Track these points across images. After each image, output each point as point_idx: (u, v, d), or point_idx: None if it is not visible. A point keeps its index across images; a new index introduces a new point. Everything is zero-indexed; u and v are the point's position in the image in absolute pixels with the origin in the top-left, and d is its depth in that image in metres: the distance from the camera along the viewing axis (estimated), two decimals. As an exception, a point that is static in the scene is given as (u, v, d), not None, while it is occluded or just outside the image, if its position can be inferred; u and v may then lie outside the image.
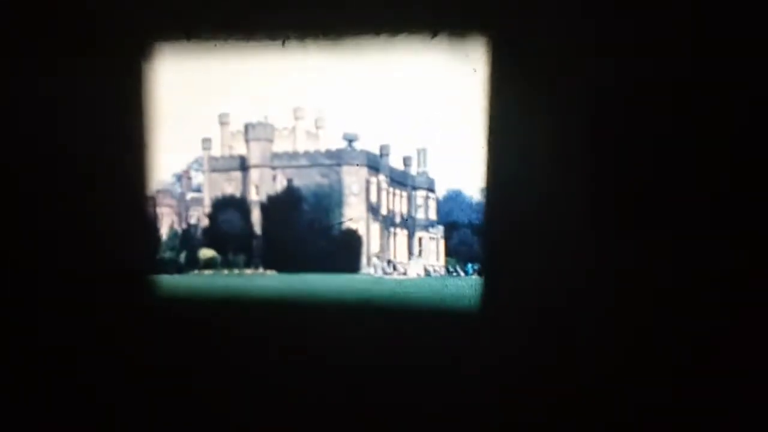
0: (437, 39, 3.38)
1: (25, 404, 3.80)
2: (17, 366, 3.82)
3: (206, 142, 69.97)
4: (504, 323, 3.36)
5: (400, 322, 3.72)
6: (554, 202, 3.23)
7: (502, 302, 3.39)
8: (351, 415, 3.55)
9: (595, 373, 3.22)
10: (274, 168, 65.90)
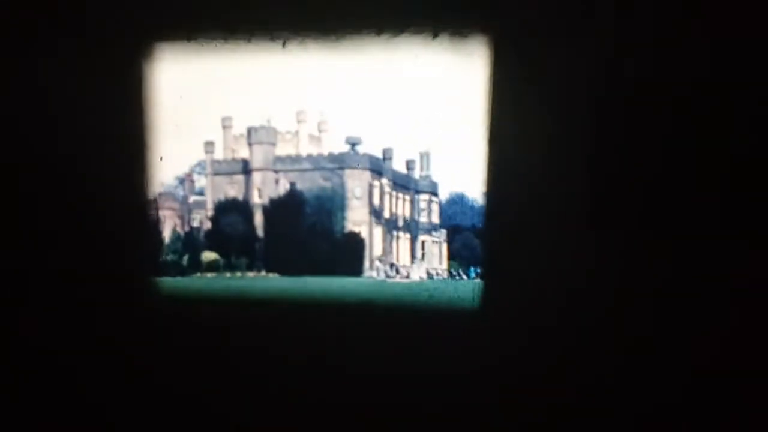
0: (438, 39, 3.38)
1: (25, 404, 3.80)
2: (17, 366, 3.82)
3: (209, 146, 70.08)
4: (504, 324, 3.36)
5: (401, 324, 3.72)
6: (554, 203, 3.23)
7: (502, 303, 3.39)
8: (352, 417, 3.55)
9: (595, 373, 3.22)
10: (276, 171, 65.94)
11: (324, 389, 3.56)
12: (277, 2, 3.52)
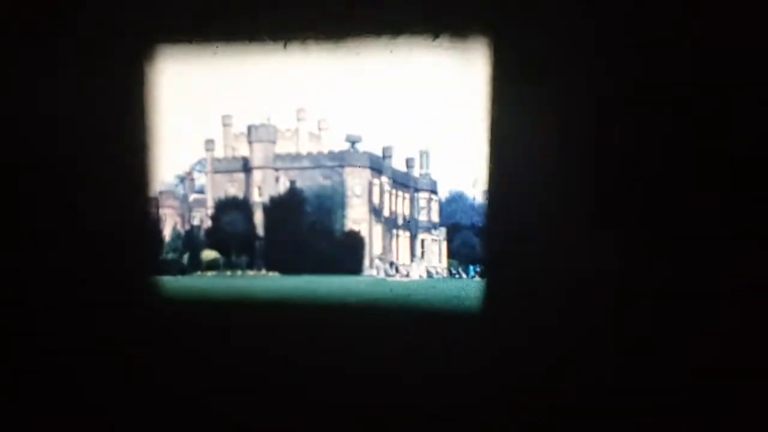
0: (439, 40, 3.38)
1: (25, 404, 3.79)
2: (17, 366, 3.82)
3: (209, 144, 70.04)
4: (505, 323, 3.36)
5: (402, 323, 3.72)
6: (555, 203, 3.23)
7: (503, 303, 3.38)
8: (352, 415, 3.54)
9: (595, 373, 3.22)
10: (276, 169, 65.86)
11: (324, 388, 3.55)
12: (278, 4, 3.52)
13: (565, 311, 3.24)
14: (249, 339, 3.70)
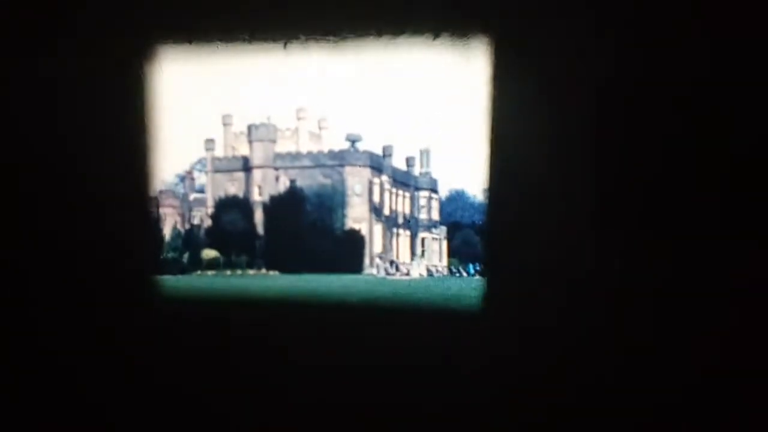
0: (439, 40, 3.38)
1: (25, 404, 3.80)
2: (17, 366, 3.83)
3: (209, 143, 70.08)
4: (505, 323, 3.37)
5: (402, 322, 3.72)
6: (556, 202, 3.23)
7: (503, 302, 3.39)
8: (352, 415, 3.55)
9: (595, 373, 3.22)
10: (276, 169, 65.96)
11: (324, 388, 3.56)
12: (278, 3, 3.52)
13: (565, 311, 3.24)
14: (249, 338, 3.70)
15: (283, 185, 65.64)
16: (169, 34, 3.67)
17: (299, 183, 65.53)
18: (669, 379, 3.13)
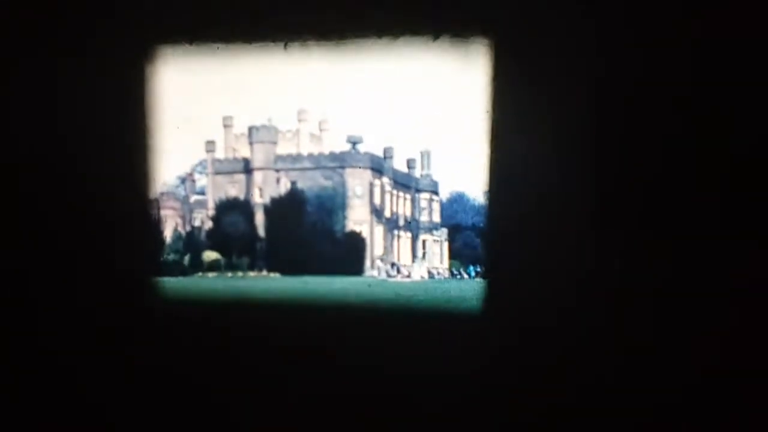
0: (439, 41, 3.38)
1: (25, 404, 3.80)
2: (17, 366, 3.82)
3: (210, 145, 70.16)
4: (505, 323, 3.37)
5: (403, 324, 3.72)
6: (555, 203, 3.23)
7: (503, 302, 3.39)
8: (353, 416, 3.55)
9: (595, 373, 3.22)
10: (277, 170, 66.03)
11: (323, 388, 3.56)
12: (278, 5, 3.52)
13: (565, 311, 3.24)
14: (249, 340, 3.70)
15: (284, 187, 65.71)
16: (169, 34, 3.67)
17: (300, 185, 65.60)
18: (669, 379, 3.13)
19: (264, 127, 67.86)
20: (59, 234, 3.76)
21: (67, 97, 3.68)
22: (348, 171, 66.20)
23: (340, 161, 66.55)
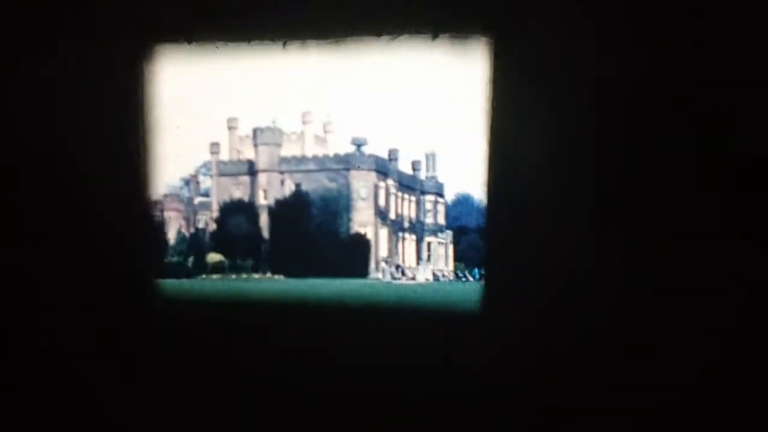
0: (438, 40, 3.38)
1: (25, 404, 3.80)
2: (17, 366, 3.83)
3: (214, 147, 70.17)
4: (505, 323, 3.36)
5: (402, 323, 3.72)
6: (555, 203, 3.23)
7: (503, 303, 3.38)
8: (352, 415, 3.55)
9: (595, 373, 3.22)
10: (282, 172, 66.03)
11: (323, 388, 3.56)
12: (277, 4, 3.52)
13: (565, 311, 3.24)
14: (252, 342, 3.70)
15: (289, 189, 65.70)
16: (169, 35, 3.68)
17: (304, 187, 65.59)
18: (669, 379, 3.13)
19: (269, 129, 67.87)
20: (59, 234, 3.76)
21: (66, 96, 3.68)
22: (353, 173, 66.19)
23: (344, 163, 66.53)
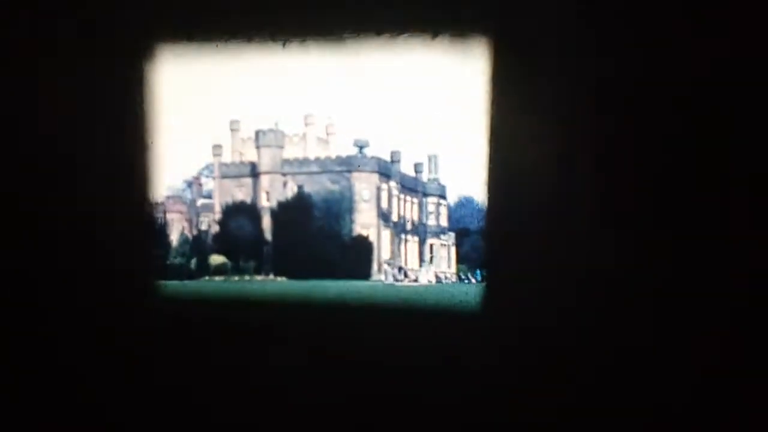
0: (438, 40, 3.38)
1: (25, 404, 3.80)
2: (17, 366, 3.83)
3: (217, 149, 70.27)
4: (505, 323, 3.36)
5: (402, 323, 3.72)
6: (554, 203, 3.23)
7: (502, 303, 3.38)
8: (352, 415, 3.55)
9: (595, 373, 3.21)
10: (284, 174, 66.16)
11: (323, 388, 3.56)
12: (277, 2, 3.52)
13: (565, 311, 3.23)
14: (254, 344, 3.70)
15: (291, 191, 65.80)
16: (169, 34, 3.68)
17: (307, 189, 65.70)
18: (669, 379, 3.12)
19: (271, 131, 67.99)
20: (59, 235, 3.76)
21: (66, 96, 3.68)
22: (355, 175, 66.30)
23: (347, 165, 66.65)
